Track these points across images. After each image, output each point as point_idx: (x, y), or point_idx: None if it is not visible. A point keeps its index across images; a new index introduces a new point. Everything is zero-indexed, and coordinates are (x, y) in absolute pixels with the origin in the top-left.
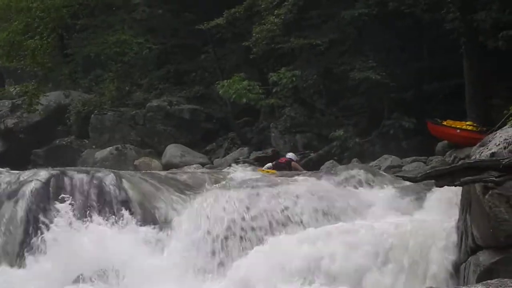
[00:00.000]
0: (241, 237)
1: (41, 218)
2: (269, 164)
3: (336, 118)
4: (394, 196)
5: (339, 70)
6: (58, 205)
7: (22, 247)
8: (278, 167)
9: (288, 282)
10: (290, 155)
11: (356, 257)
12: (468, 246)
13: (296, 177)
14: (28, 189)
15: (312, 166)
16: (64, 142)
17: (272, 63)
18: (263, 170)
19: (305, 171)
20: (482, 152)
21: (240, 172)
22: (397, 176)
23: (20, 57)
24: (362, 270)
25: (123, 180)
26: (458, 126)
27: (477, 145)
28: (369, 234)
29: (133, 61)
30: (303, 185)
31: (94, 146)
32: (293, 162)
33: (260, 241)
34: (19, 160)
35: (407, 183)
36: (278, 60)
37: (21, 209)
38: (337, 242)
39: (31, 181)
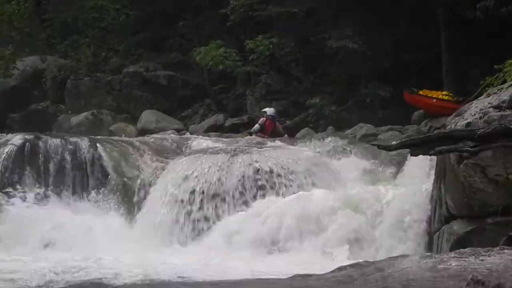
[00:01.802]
0: (215, 204)
1: (15, 182)
2: (257, 126)
3: (313, 86)
4: (369, 165)
5: (317, 38)
6: (32, 170)
7: None
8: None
9: (257, 249)
10: (270, 111)
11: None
12: (442, 215)
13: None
14: (2, 153)
15: (288, 133)
16: (39, 107)
17: (249, 31)
18: (246, 135)
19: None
20: (457, 122)
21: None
22: (372, 144)
23: None
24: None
25: (98, 145)
26: (434, 96)
27: (453, 115)
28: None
29: (110, 27)
30: (280, 151)
31: (70, 111)
32: (277, 124)
33: (236, 206)
34: None
35: (383, 151)
36: (255, 27)
37: None
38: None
39: (5, 145)
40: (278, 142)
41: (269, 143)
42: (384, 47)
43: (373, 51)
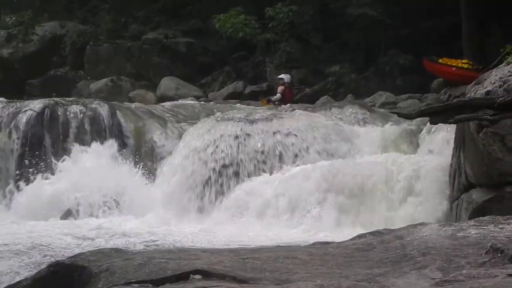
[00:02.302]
0: (235, 170)
1: (35, 148)
2: (278, 95)
3: (332, 54)
4: (388, 133)
5: (336, 6)
6: (53, 136)
7: (16, 177)
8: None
9: (276, 216)
10: (287, 77)
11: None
12: (461, 184)
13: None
14: (22, 119)
15: (307, 101)
16: (59, 73)
17: None
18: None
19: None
20: (477, 90)
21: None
22: (391, 112)
23: None
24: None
25: (118, 111)
26: (453, 64)
27: (473, 83)
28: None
29: None
30: (299, 120)
31: (89, 78)
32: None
33: (254, 173)
34: (14, 90)
35: (402, 120)
36: None
37: (15, 139)
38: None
39: (25, 111)
40: (298, 110)
41: (290, 111)
42: (403, 14)
43: (393, 18)
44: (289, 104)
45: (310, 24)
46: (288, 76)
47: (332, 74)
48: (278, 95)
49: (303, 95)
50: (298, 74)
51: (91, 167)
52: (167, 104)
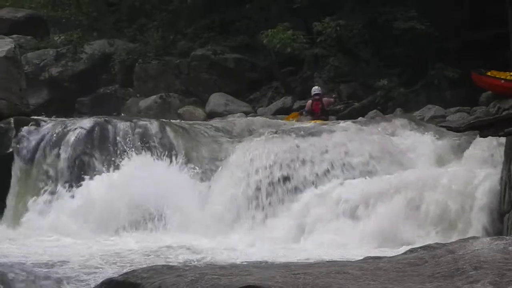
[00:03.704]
0: (283, 185)
1: (85, 166)
2: (305, 111)
3: (380, 68)
4: (438, 147)
5: (383, 19)
6: (104, 153)
7: (66, 194)
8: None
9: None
10: (313, 90)
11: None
12: (511, 197)
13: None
14: (72, 136)
15: (356, 116)
16: (108, 91)
17: (316, 13)
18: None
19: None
20: None
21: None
22: (440, 126)
23: (65, 6)
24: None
25: (167, 128)
26: (502, 77)
27: None
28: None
29: (178, 10)
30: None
31: (138, 95)
32: (323, 100)
33: (304, 189)
34: (64, 108)
35: (451, 133)
36: (322, 9)
37: (65, 157)
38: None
39: (75, 129)
40: (343, 124)
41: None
42: (450, 27)
43: (440, 31)
44: (313, 122)
45: (357, 38)
46: (315, 87)
47: (380, 88)
48: (305, 111)
49: (352, 109)
50: (347, 89)
51: (141, 184)
52: (216, 120)
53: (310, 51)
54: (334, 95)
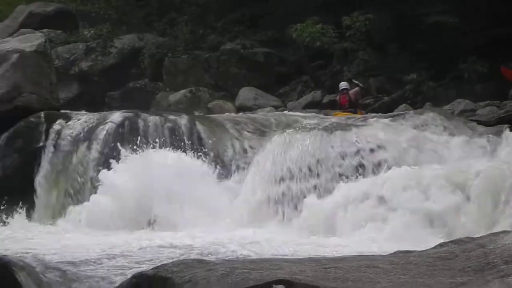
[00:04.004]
0: (312, 180)
1: (115, 160)
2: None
3: (410, 62)
4: (468, 141)
5: (413, 13)
6: (133, 147)
7: (95, 188)
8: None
9: (359, 227)
10: (340, 86)
11: None
12: None
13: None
14: (102, 131)
15: (385, 110)
16: (138, 85)
17: (345, 7)
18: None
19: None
20: None
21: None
22: (471, 120)
23: (94, 0)
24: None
25: (197, 122)
26: None
27: None
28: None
29: (208, 4)
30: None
31: (168, 89)
32: (350, 93)
33: (335, 183)
34: (94, 102)
35: (481, 127)
36: (351, 3)
37: (95, 151)
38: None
39: (106, 123)
40: (372, 118)
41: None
42: (480, 21)
43: (470, 25)
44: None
45: (387, 32)
46: (342, 83)
47: (410, 82)
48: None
49: (381, 103)
50: (376, 83)
51: (170, 178)
52: (246, 114)
53: (339, 45)
54: (356, 82)
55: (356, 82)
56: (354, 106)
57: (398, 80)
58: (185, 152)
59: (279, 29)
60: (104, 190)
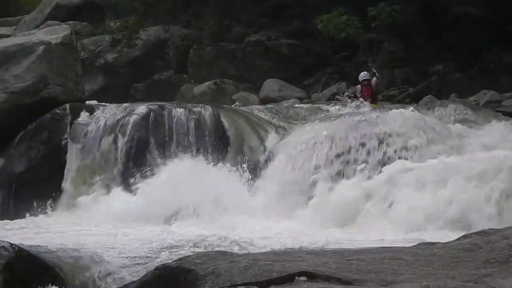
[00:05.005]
0: (338, 170)
1: (140, 152)
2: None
3: (436, 53)
4: (496, 132)
5: (439, 4)
6: (158, 140)
7: (122, 181)
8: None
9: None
10: (360, 76)
11: None
12: None
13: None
14: (128, 123)
15: (411, 101)
16: (163, 77)
17: None
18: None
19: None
20: None
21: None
22: (496, 111)
23: None
24: None
25: (221, 114)
26: None
27: None
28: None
29: None
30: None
31: (192, 81)
32: (372, 83)
33: (360, 174)
34: (119, 94)
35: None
36: None
37: (121, 143)
38: None
39: (131, 115)
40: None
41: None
42: (507, 11)
43: (497, 15)
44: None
45: (413, 23)
46: (363, 73)
47: (435, 73)
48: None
49: (406, 95)
50: (401, 74)
51: (194, 171)
52: (269, 105)
53: (364, 36)
54: (374, 70)
55: (374, 70)
56: (375, 99)
57: (423, 72)
58: (209, 144)
59: (304, 20)
60: (130, 182)
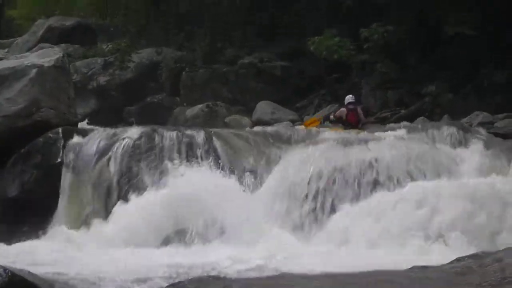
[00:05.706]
0: (332, 196)
1: (133, 175)
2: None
3: (429, 73)
4: (485, 155)
5: (432, 24)
6: (150, 163)
7: (112, 203)
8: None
9: (386, 240)
10: (347, 99)
11: None
12: None
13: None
14: (120, 146)
15: (403, 120)
16: (155, 100)
17: (363, 18)
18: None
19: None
20: None
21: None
22: (489, 132)
23: (113, 14)
24: None
25: (214, 137)
26: None
27: None
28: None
29: (227, 10)
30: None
31: (185, 104)
32: (359, 110)
33: (353, 199)
34: (111, 117)
35: (499, 139)
36: (369, 15)
37: (113, 166)
38: None
39: (123, 138)
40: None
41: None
42: (500, 31)
43: (490, 35)
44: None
45: (405, 43)
46: (349, 96)
47: (428, 94)
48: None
49: (399, 117)
50: (394, 96)
51: (188, 193)
52: (261, 128)
53: (357, 58)
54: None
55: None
56: (363, 124)
57: (416, 93)
58: (202, 167)
59: (296, 42)
60: (123, 206)
